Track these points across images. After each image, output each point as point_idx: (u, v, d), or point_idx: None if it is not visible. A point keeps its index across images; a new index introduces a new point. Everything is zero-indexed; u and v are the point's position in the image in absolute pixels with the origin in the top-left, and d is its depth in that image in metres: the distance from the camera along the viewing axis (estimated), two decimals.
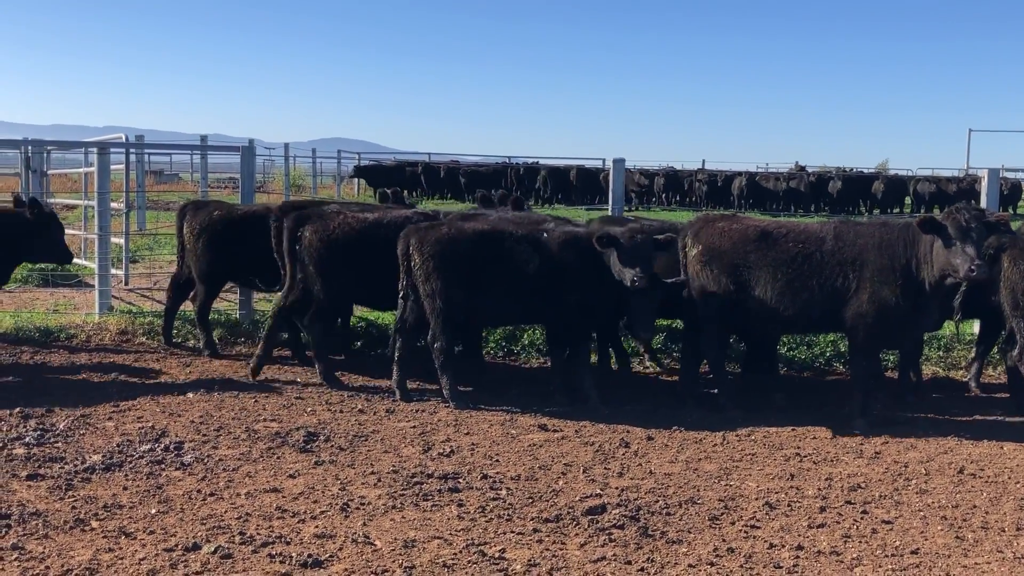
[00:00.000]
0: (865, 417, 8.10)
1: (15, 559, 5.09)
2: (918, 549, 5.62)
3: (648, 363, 10.22)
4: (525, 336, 10.59)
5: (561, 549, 5.46)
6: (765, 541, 5.65)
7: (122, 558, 5.14)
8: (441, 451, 7.19)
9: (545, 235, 8.53)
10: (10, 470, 6.46)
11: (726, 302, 8.48)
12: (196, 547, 5.29)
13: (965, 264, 7.37)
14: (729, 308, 8.49)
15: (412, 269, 8.57)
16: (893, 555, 5.53)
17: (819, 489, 6.61)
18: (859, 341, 8.14)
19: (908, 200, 37.99)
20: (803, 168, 45.21)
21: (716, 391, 8.84)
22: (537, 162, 43.58)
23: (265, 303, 11.79)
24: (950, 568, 5.37)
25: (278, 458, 6.92)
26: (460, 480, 6.54)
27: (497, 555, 5.34)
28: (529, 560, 5.28)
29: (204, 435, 7.39)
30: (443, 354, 8.56)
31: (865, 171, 48.69)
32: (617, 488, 6.49)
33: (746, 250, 8.36)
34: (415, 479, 6.51)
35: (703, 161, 49.60)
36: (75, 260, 12.27)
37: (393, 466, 6.79)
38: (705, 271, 8.55)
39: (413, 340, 8.81)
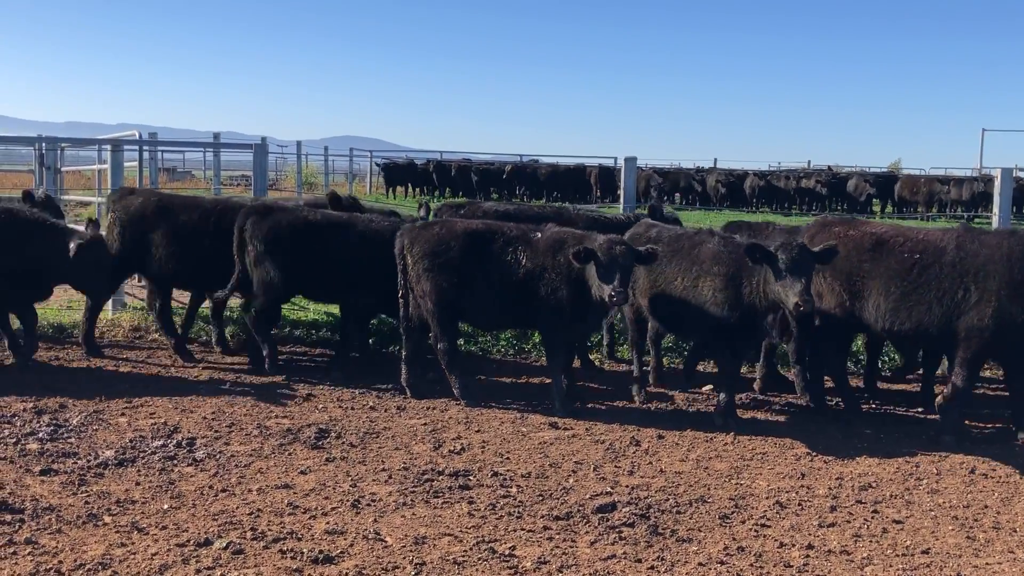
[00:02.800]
0: (955, 434, 7.77)
1: (28, 553, 5.12)
2: (929, 549, 5.61)
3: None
4: (535, 335, 10.58)
5: (571, 547, 5.47)
6: (775, 540, 5.66)
7: (134, 553, 5.17)
8: (452, 448, 7.20)
9: (537, 235, 8.27)
10: (24, 465, 6.49)
11: (839, 311, 8.17)
12: (208, 542, 5.31)
13: None
14: (842, 317, 8.19)
15: (407, 270, 8.58)
16: (904, 555, 5.52)
17: (830, 488, 6.61)
18: (969, 355, 7.69)
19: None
20: (830, 168, 45.02)
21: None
22: (537, 160, 43.89)
23: None
24: (961, 568, 5.36)
25: (290, 454, 6.95)
26: (471, 477, 6.56)
27: (507, 552, 5.35)
28: (539, 557, 5.29)
29: (216, 431, 7.42)
30: (447, 354, 8.55)
31: (868, 170, 48.52)
32: (627, 486, 6.50)
33: (861, 258, 8.06)
34: (426, 476, 6.53)
35: (715, 160, 49.57)
36: None
37: (404, 463, 6.81)
38: (818, 277, 8.15)
39: (420, 338, 8.82)
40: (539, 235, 8.29)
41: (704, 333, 8.35)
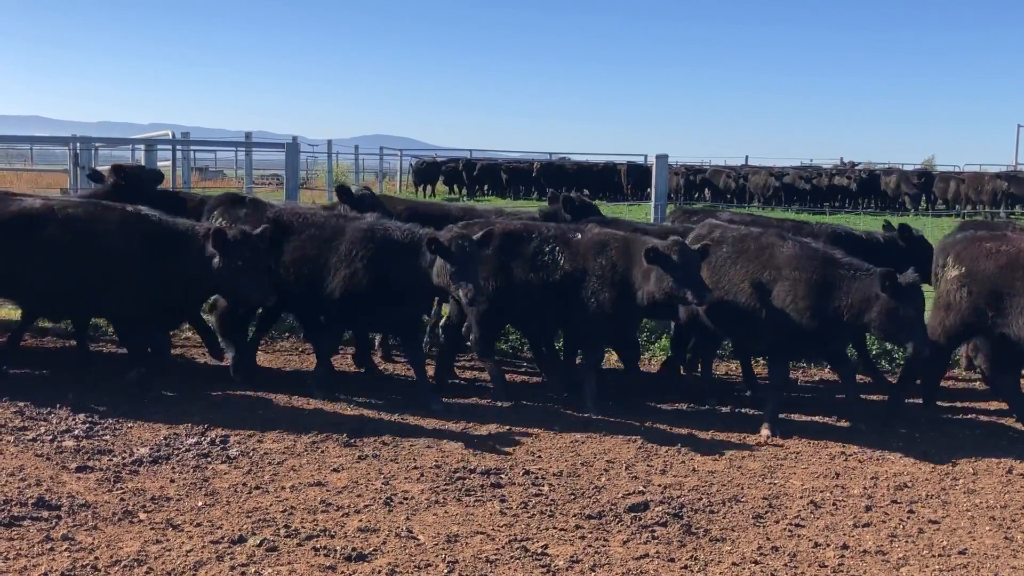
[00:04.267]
0: None
1: (65, 549, 5.17)
2: (966, 549, 5.56)
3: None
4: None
5: (604, 546, 5.46)
6: (810, 540, 5.62)
7: (169, 550, 5.21)
8: (484, 446, 7.20)
9: (577, 236, 8.26)
10: (60, 462, 6.55)
11: (967, 326, 7.93)
12: (242, 540, 5.35)
13: None
14: (966, 330, 8.00)
15: None
16: (940, 555, 5.47)
17: (865, 488, 6.55)
18: None
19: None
20: (854, 164, 44.64)
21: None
22: (566, 158, 43.96)
23: None
24: (998, 569, 5.31)
25: (322, 452, 6.97)
26: (502, 476, 6.56)
27: (539, 551, 5.35)
28: (571, 556, 5.28)
29: (249, 429, 7.46)
30: (482, 353, 8.55)
31: (902, 167, 48.02)
32: (660, 485, 6.47)
33: (1015, 276, 7.60)
34: (457, 474, 6.54)
35: (746, 157, 49.21)
36: None
37: (436, 461, 6.81)
38: (961, 293, 7.89)
39: (455, 336, 8.83)
40: (579, 236, 8.29)
41: (771, 340, 7.97)
